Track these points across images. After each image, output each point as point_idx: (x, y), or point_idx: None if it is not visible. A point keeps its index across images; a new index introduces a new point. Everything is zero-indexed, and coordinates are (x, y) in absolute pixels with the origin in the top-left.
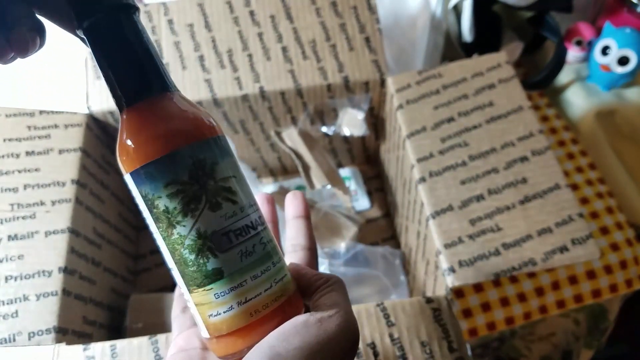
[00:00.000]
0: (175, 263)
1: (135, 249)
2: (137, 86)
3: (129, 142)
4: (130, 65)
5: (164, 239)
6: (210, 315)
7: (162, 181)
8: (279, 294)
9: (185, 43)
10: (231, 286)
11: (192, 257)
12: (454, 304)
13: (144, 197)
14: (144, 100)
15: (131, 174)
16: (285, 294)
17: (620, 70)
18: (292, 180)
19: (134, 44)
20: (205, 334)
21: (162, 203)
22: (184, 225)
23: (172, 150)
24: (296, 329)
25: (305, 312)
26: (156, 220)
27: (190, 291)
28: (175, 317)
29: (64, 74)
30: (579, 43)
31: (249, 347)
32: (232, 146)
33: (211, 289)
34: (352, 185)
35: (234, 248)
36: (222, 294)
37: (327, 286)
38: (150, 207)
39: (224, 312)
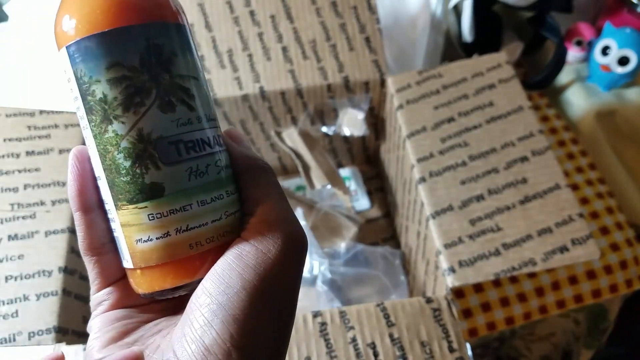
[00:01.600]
0: (105, 169)
1: None
2: None
3: (70, 9)
4: None
5: (95, 136)
6: (139, 240)
7: (105, 61)
8: (228, 229)
9: None
10: (171, 208)
11: (127, 164)
12: (454, 304)
13: (78, 80)
14: None
15: (67, 47)
16: (235, 231)
17: (620, 70)
18: (293, 180)
19: None
20: (128, 263)
21: (99, 89)
22: (122, 122)
23: (124, 24)
24: (232, 268)
25: None
26: (89, 111)
27: (117, 207)
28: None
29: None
30: (579, 43)
31: (179, 287)
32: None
33: (145, 207)
34: (352, 185)
35: (183, 163)
36: (159, 215)
37: (254, 175)
38: (85, 92)
39: (157, 239)
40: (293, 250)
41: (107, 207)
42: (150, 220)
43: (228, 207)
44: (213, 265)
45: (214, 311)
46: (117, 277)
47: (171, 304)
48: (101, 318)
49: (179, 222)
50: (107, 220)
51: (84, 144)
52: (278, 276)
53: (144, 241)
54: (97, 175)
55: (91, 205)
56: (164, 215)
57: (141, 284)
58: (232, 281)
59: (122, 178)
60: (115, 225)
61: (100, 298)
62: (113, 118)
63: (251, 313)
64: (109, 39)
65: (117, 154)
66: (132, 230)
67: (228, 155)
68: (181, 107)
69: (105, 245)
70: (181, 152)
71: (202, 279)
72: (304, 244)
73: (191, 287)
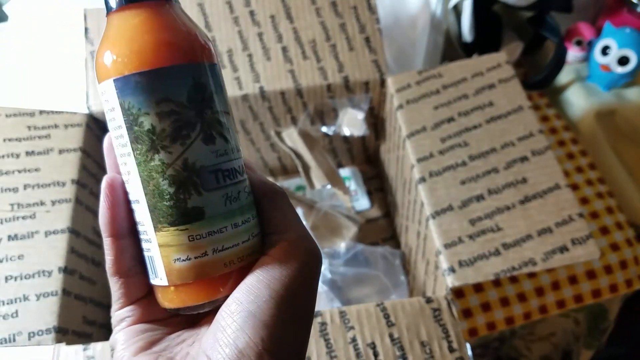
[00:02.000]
0: (146, 194)
1: None
2: None
3: (117, 44)
4: None
5: (139, 163)
6: (177, 259)
7: (155, 96)
8: (254, 249)
9: None
10: (210, 230)
11: (172, 190)
12: (454, 304)
13: (125, 111)
14: (149, 0)
15: (114, 80)
16: (257, 250)
17: (620, 70)
18: (293, 180)
19: None
20: (161, 281)
21: (147, 121)
22: (169, 152)
23: (173, 63)
24: (260, 280)
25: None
26: (134, 140)
27: (157, 229)
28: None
29: (64, 74)
30: (579, 43)
31: (210, 302)
32: None
33: (186, 229)
34: (352, 185)
35: (220, 189)
36: (198, 237)
37: (272, 199)
38: (131, 123)
39: (195, 258)
40: (311, 264)
41: (142, 228)
42: (190, 241)
43: (253, 229)
44: (240, 281)
45: (245, 318)
46: (140, 295)
47: (189, 317)
48: (125, 332)
49: (215, 243)
50: (135, 245)
51: (83, 144)
52: (300, 286)
53: (182, 260)
54: (134, 199)
55: (123, 232)
56: (202, 236)
57: (173, 300)
58: (261, 292)
59: (165, 202)
60: (151, 246)
61: (123, 315)
62: (160, 148)
63: (279, 319)
64: (160, 76)
65: (162, 181)
66: (170, 250)
67: (249, 181)
68: (219, 139)
69: (132, 268)
70: (219, 180)
71: (229, 294)
72: (319, 258)
73: (218, 303)
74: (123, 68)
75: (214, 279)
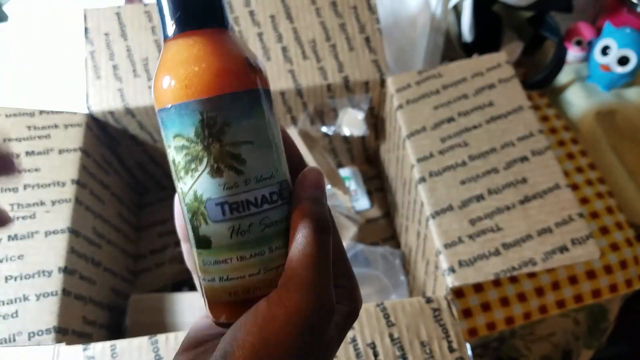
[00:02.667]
0: (183, 215)
1: (135, 249)
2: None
3: (155, 80)
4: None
5: (175, 187)
6: (200, 277)
7: (171, 131)
8: (267, 284)
9: None
10: (215, 259)
11: (189, 216)
12: (454, 304)
13: (164, 139)
14: (175, 37)
15: (158, 112)
16: (273, 284)
17: (620, 70)
18: None
19: None
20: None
21: (171, 153)
22: (185, 183)
23: (179, 102)
24: (248, 320)
25: None
26: (171, 164)
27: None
28: None
29: (64, 74)
30: (579, 43)
31: (225, 324)
32: None
33: (200, 253)
34: (352, 185)
35: (226, 222)
36: (208, 263)
37: (304, 232)
38: (166, 152)
39: (208, 281)
40: (317, 316)
41: None
42: (204, 264)
43: (269, 263)
44: (242, 314)
45: (222, 354)
46: None
47: None
48: (191, 327)
49: (220, 272)
50: None
51: (83, 144)
52: (291, 335)
53: (203, 279)
54: None
55: (184, 237)
56: (211, 263)
57: (208, 311)
58: (248, 329)
59: (188, 226)
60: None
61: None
62: (178, 179)
63: None
64: (171, 114)
65: (184, 207)
66: (197, 267)
67: (287, 208)
68: (229, 172)
69: None
70: (225, 213)
71: (231, 323)
72: (330, 311)
73: (228, 326)
74: (155, 103)
75: (223, 304)
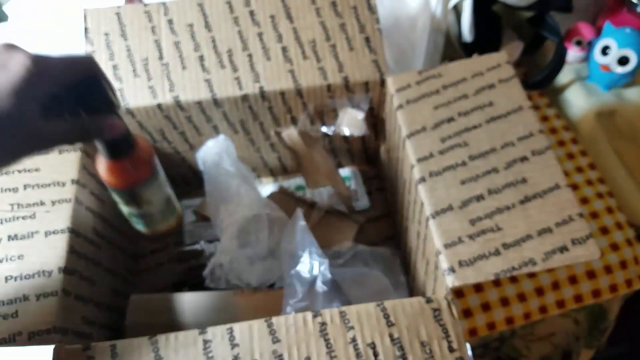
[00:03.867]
0: None
1: (135, 249)
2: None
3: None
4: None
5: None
6: None
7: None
8: None
9: (185, 43)
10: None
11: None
12: (454, 303)
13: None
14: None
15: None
16: None
17: (620, 70)
18: (292, 180)
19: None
20: None
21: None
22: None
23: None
24: None
25: None
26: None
27: None
28: None
29: None
30: (579, 43)
31: None
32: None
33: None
34: (352, 185)
35: None
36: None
37: None
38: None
39: None
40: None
41: None
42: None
43: None
44: None
45: None
46: None
47: None
48: None
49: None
50: None
51: (83, 145)
52: None
53: None
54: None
55: None
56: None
57: None
58: None
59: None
60: None
61: None
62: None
63: None
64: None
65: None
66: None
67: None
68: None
69: None
70: None
71: None
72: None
73: None
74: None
75: None
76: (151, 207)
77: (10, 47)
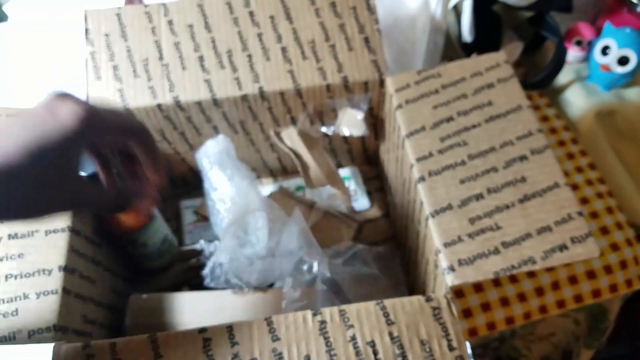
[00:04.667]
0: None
1: None
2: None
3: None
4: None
5: None
6: None
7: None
8: None
9: (185, 44)
10: None
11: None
12: (453, 302)
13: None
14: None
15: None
16: None
17: (620, 70)
18: (292, 180)
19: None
20: None
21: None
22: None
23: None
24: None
25: None
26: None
27: None
28: None
29: (64, 74)
30: (579, 43)
31: None
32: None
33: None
34: (352, 185)
35: None
36: None
37: None
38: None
39: None
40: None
41: None
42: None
43: None
44: None
45: None
46: None
47: None
48: None
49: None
50: None
51: None
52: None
53: None
54: None
55: None
56: None
57: None
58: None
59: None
60: None
61: None
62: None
63: None
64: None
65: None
66: None
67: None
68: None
69: None
70: None
71: None
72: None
73: None
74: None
75: None
76: (147, 249)
77: (63, 95)
